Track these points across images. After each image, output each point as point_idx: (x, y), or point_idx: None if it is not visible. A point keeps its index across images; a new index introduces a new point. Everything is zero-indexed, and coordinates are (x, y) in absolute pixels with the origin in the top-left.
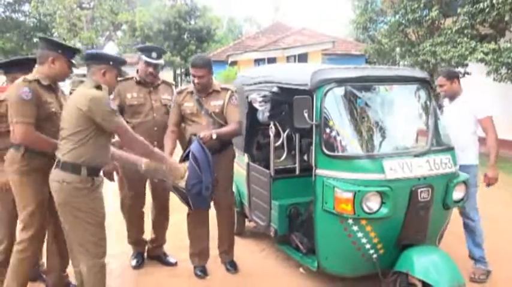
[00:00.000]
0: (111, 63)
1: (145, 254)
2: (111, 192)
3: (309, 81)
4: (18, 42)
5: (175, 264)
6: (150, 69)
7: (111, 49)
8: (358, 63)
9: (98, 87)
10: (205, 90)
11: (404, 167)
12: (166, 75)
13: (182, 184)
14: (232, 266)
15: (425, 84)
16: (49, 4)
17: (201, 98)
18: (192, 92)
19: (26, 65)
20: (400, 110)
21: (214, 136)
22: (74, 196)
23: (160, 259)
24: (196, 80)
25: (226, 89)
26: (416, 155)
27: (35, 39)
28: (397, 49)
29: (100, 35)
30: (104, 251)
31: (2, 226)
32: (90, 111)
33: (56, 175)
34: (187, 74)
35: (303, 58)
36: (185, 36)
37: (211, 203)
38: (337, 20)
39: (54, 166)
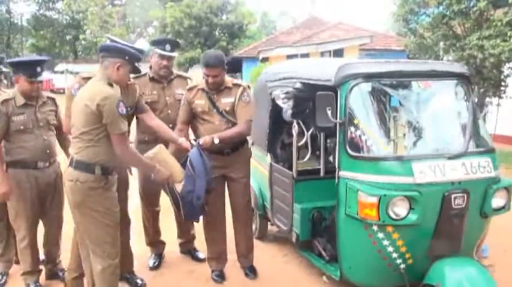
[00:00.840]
0: (126, 58)
1: (164, 254)
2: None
3: (333, 77)
4: (51, 39)
5: (203, 260)
6: (164, 62)
7: (142, 46)
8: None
9: (110, 84)
10: (217, 87)
11: (436, 170)
12: (196, 72)
13: (179, 188)
14: (251, 272)
15: (465, 80)
16: (81, 1)
17: (213, 95)
18: (203, 89)
19: (34, 67)
20: (434, 108)
21: (216, 141)
22: (88, 195)
23: (190, 253)
24: (210, 80)
25: (238, 85)
26: (450, 158)
27: (67, 37)
28: (441, 43)
29: (131, 32)
30: (117, 252)
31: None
32: (99, 111)
33: (69, 174)
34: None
35: (338, 54)
36: (216, 32)
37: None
38: (377, 14)
39: (67, 165)
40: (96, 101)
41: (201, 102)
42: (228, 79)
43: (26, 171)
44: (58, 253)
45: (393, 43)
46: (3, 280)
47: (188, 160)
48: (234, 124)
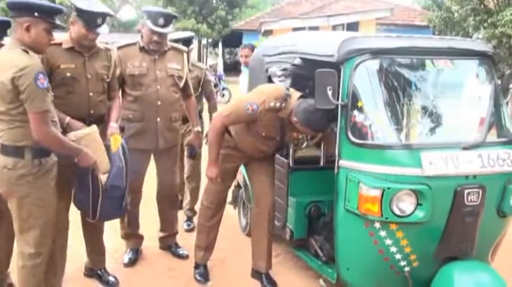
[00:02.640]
0: (36, 14)
1: (140, 250)
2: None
3: (336, 52)
4: None
5: (185, 257)
6: (155, 38)
7: (127, 13)
8: None
9: (26, 51)
10: None
11: (449, 162)
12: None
13: (103, 179)
14: (269, 283)
15: (487, 60)
16: None
17: (286, 127)
18: (282, 119)
19: None
20: (450, 91)
21: None
22: (17, 184)
23: (171, 249)
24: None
25: None
26: (465, 148)
27: None
28: (470, 19)
29: None
30: (43, 252)
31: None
32: (14, 85)
33: None
34: (214, 45)
35: (352, 28)
36: (214, 0)
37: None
38: None
39: None
40: (9, 75)
41: (270, 130)
42: None
43: None
44: (6, 265)
45: (416, 18)
46: None
47: (121, 149)
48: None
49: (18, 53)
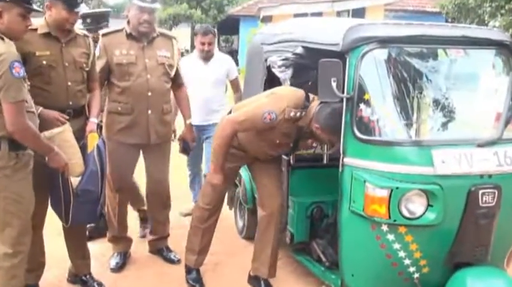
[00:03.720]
0: None
1: (129, 254)
2: None
3: (341, 41)
4: None
5: (177, 262)
6: (145, 16)
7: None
8: None
9: (1, 38)
10: None
11: (462, 160)
12: (182, 32)
13: (75, 182)
14: None
15: (504, 49)
16: None
17: (302, 134)
18: (300, 127)
19: None
20: (463, 83)
21: None
22: None
23: (162, 254)
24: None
25: None
26: (480, 145)
27: None
28: (486, 5)
29: None
30: (21, 251)
31: None
32: None
33: None
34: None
35: (359, 14)
36: None
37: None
38: None
39: None
40: None
41: (287, 138)
42: None
43: None
44: None
45: (428, 3)
46: None
47: (97, 149)
48: None
49: None
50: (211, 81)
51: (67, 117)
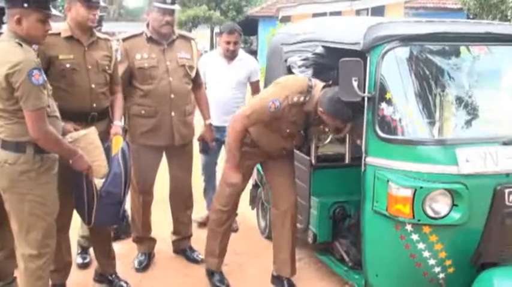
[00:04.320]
0: (25, 5)
1: (154, 254)
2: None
3: (362, 40)
4: None
5: (201, 261)
6: (167, 18)
7: (134, 1)
8: None
9: (21, 44)
10: None
11: (487, 159)
12: (201, 34)
13: (99, 183)
14: None
15: None
16: None
17: (311, 121)
18: (307, 113)
19: None
20: (487, 81)
21: None
22: (18, 180)
23: (185, 254)
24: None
25: None
26: (506, 143)
27: None
28: (509, 1)
29: None
30: (46, 253)
31: None
32: (8, 81)
33: None
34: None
35: (378, 12)
36: None
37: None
38: None
39: None
40: (3, 71)
41: (295, 126)
42: None
43: None
44: (13, 267)
45: (449, 0)
46: None
47: (121, 152)
48: None
49: (12, 46)
50: (233, 83)
51: (78, 128)
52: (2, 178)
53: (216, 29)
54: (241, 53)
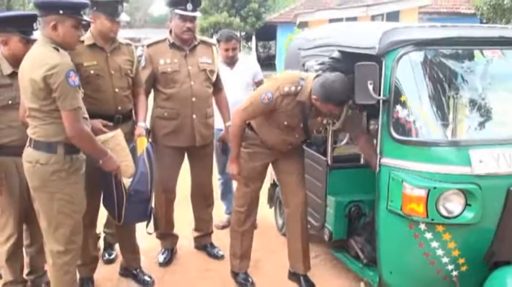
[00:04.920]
0: (61, 12)
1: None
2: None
3: (377, 44)
4: None
5: (221, 257)
6: (188, 24)
7: (158, 8)
8: None
9: (57, 49)
10: None
11: (500, 160)
12: None
13: (127, 183)
14: (308, 286)
15: None
16: None
17: (308, 112)
18: (302, 103)
19: (24, 23)
20: (501, 83)
21: None
22: (49, 179)
23: (206, 249)
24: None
25: None
26: None
27: None
28: None
29: None
30: (73, 249)
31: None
32: (46, 83)
33: (27, 155)
34: (247, 38)
35: (393, 18)
36: None
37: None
38: None
39: (26, 145)
40: (41, 73)
41: (293, 119)
42: None
43: (13, 158)
44: (43, 262)
45: (462, 5)
46: None
47: (146, 152)
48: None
49: (49, 51)
50: (239, 85)
51: (110, 124)
52: (34, 178)
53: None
54: (241, 56)
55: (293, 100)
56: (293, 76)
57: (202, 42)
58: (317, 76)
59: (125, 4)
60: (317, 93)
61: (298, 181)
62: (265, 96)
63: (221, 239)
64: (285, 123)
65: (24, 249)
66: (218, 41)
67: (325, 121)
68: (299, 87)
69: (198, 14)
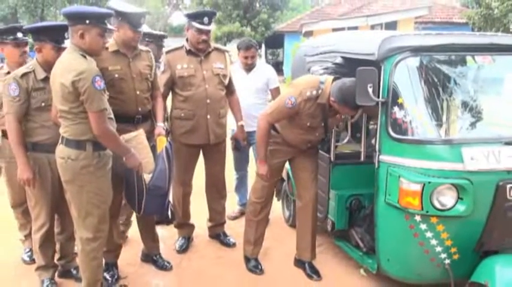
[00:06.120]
0: (87, 21)
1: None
2: None
3: (377, 51)
4: None
5: (233, 245)
6: (204, 37)
7: (177, 19)
8: None
9: (84, 56)
10: None
11: (490, 157)
12: (233, 47)
13: (147, 178)
14: (313, 272)
15: None
16: None
17: (328, 112)
18: (322, 105)
19: (56, 33)
20: (491, 87)
21: None
22: (79, 173)
23: (219, 238)
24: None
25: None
26: (508, 143)
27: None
28: (511, 14)
29: (167, 4)
30: (100, 237)
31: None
32: (75, 87)
33: (60, 152)
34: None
35: (391, 27)
36: (257, 4)
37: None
38: None
39: (59, 142)
40: (70, 78)
41: (314, 119)
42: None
43: (45, 155)
44: (72, 248)
45: (455, 15)
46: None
47: (165, 151)
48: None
49: (77, 58)
50: (253, 90)
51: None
52: (66, 172)
53: None
54: (259, 63)
55: (314, 103)
56: (314, 80)
57: (216, 49)
58: (335, 79)
59: (146, 16)
60: (335, 97)
61: (312, 177)
62: (289, 101)
63: (233, 229)
64: (308, 124)
65: (55, 236)
66: (238, 48)
67: (343, 117)
68: (320, 91)
69: (212, 27)
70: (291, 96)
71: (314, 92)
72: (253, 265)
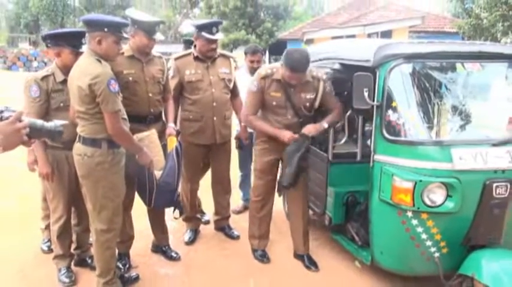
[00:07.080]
0: (105, 29)
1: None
2: None
3: (372, 57)
4: None
5: (237, 237)
6: (212, 46)
7: (187, 27)
8: None
9: (99, 60)
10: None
11: (478, 157)
12: (241, 53)
13: (158, 174)
14: (311, 264)
15: None
16: None
17: (290, 89)
18: (279, 81)
19: (74, 39)
20: (479, 92)
21: (325, 125)
22: (94, 169)
23: (224, 231)
24: (293, 82)
25: (318, 79)
26: (494, 144)
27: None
28: (499, 24)
29: (178, 13)
30: (114, 228)
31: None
32: (91, 90)
33: (77, 149)
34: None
35: (386, 36)
36: (261, 13)
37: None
38: None
39: (76, 141)
40: (86, 81)
41: (277, 95)
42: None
43: (63, 152)
44: (88, 239)
45: (446, 25)
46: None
47: (175, 150)
48: (304, 117)
49: (93, 62)
50: None
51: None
52: (82, 168)
53: None
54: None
55: (273, 81)
56: (270, 65)
57: (222, 55)
58: None
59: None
60: (283, 64)
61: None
62: (253, 86)
63: (237, 222)
64: (274, 103)
65: (72, 228)
66: (245, 53)
67: (308, 96)
68: (274, 69)
69: (220, 36)
70: (253, 81)
71: (269, 71)
72: (260, 254)
